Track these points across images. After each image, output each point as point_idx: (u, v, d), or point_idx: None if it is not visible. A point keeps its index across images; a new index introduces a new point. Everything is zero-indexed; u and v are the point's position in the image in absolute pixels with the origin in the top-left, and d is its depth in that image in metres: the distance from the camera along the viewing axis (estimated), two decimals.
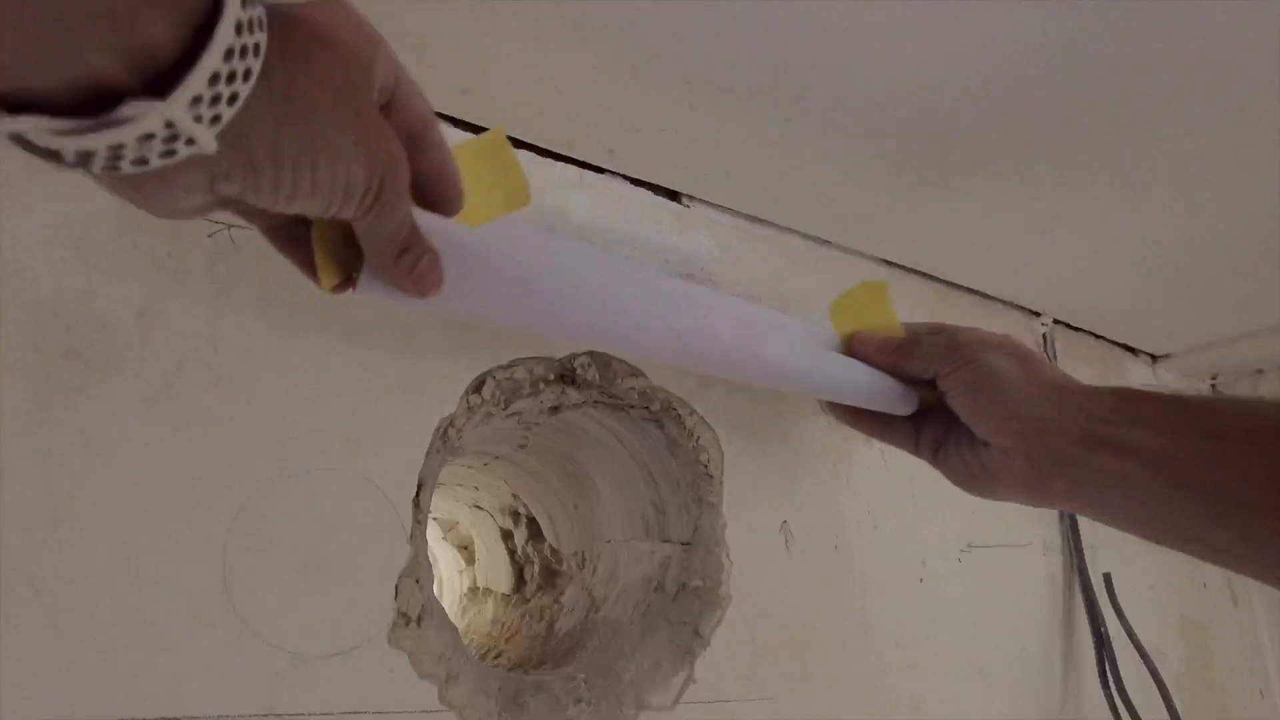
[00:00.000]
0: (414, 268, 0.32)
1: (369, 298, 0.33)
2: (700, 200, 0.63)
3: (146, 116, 0.20)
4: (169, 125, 0.21)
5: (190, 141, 0.21)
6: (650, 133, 0.54)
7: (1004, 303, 0.82)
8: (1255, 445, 0.36)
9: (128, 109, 0.20)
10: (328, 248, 0.33)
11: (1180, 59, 0.47)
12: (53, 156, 0.20)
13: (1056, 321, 0.86)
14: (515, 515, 0.75)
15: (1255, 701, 0.92)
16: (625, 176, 0.59)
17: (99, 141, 0.20)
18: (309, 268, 0.33)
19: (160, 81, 0.21)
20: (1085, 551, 0.77)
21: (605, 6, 0.43)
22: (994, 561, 0.72)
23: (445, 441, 0.46)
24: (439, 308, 0.35)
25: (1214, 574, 0.94)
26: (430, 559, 0.60)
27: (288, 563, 0.40)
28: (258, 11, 0.23)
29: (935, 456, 0.49)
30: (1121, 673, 0.72)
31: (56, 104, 0.20)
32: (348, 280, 0.33)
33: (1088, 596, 0.75)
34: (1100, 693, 0.73)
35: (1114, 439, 0.40)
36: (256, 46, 0.22)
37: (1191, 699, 0.82)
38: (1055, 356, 0.84)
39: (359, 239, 0.31)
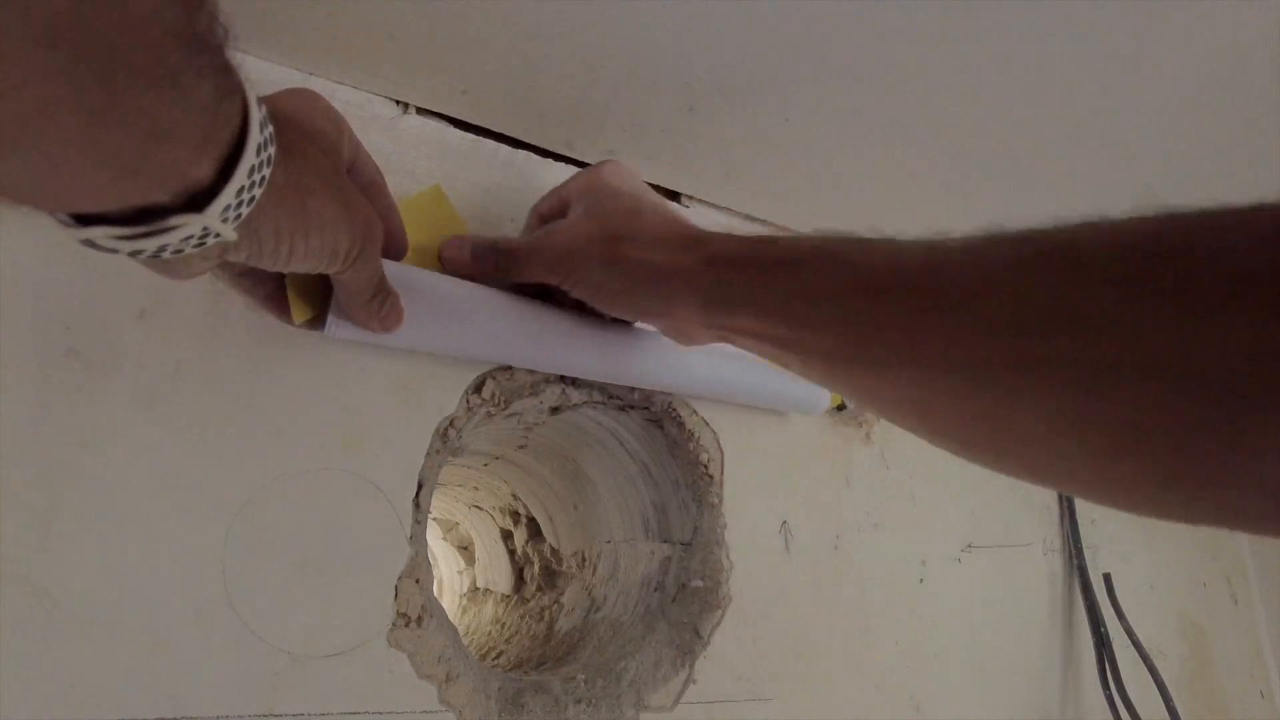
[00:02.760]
0: (380, 309, 0.39)
1: (337, 335, 0.40)
2: (700, 200, 0.63)
3: (189, 225, 0.26)
4: (204, 229, 0.26)
5: (217, 235, 0.27)
6: (650, 133, 0.54)
7: None
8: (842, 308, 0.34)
9: (175, 220, 0.25)
10: (299, 289, 0.38)
11: (1178, 58, 0.47)
12: (109, 250, 0.26)
13: None
14: (515, 515, 0.75)
15: (1255, 701, 0.92)
16: None
17: (151, 244, 0.26)
18: (273, 305, 0.38)
19: (199, 199, 0.26)
20: (1085, 551, 0.77)
21: (605, 6, 0.43)
22: (994, 561, 0.72)
23: (445, 441, 0.46)
24: (397, 340, 0.42)
25: (1214, 574, 0.94)
26: (430, 559, 0.60)
27: (288, 563, 0.40)
28: (269, 130, 0.27)
29: (562, 257, 0.44)
30: (1121, 673, 0.72)
31: (116, 218, 0.25)
32: (317, 317, 0.39)
33: (1088, 596, 0.76)
34: (1100, 693, 0.73)
35: (730, 328, 0.39)
36: (269, 158, 0.27)
37: (1191, 699, 0.82)
38: None
39: (336, 287, 0.37)
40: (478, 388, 0.48)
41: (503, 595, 0.76)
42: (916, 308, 0.31)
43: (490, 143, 0.53)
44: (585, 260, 0.42)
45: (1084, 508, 0.79)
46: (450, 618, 0.48)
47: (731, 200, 0.63)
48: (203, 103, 0.24)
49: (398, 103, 0.50)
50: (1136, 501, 0.29)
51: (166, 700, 0.36)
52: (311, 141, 0.33)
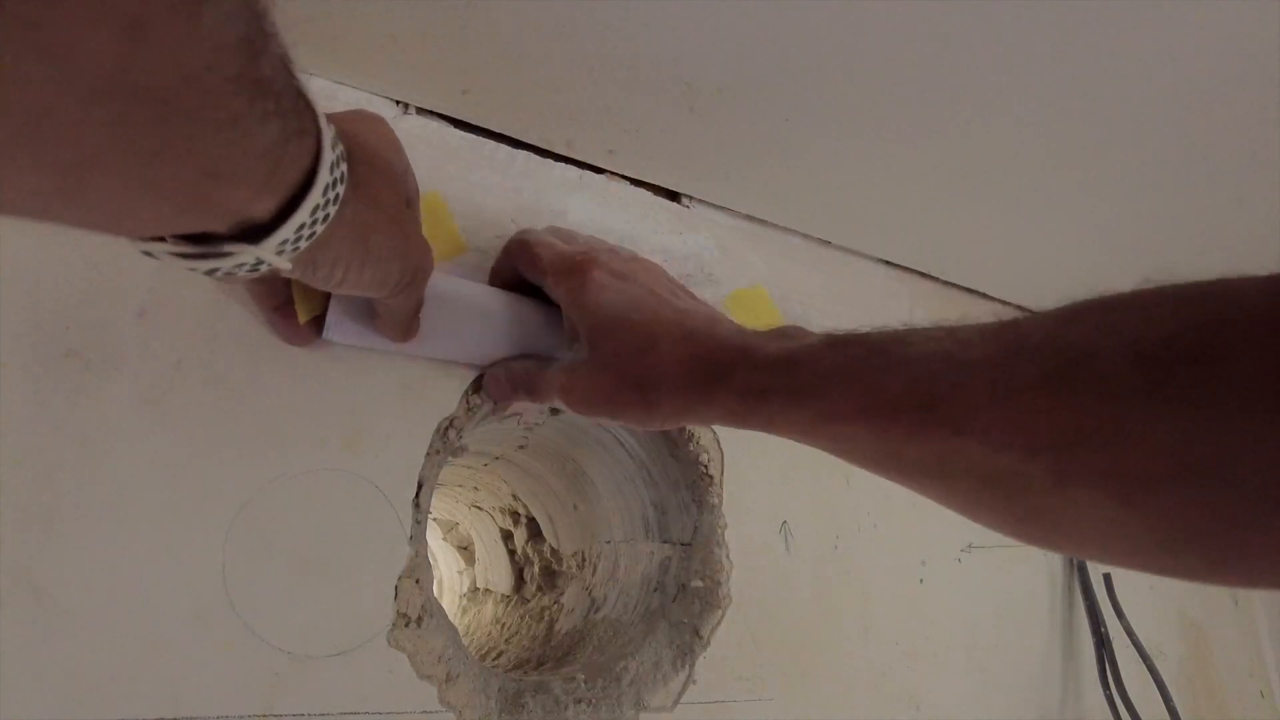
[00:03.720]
0: (412, 331, 0.41)
1: (335, 339, 0.41)
2: (700, 200, 0.63)
3: (243, 254, 0.27)
4: (258, 259, 0.27)
5: (270, 264, 0.28)
6: (650, 133, 0.54)
7: (1004, 303, 0.82)
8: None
9: (229, 248, 0.27)
10: (304, 288, 0.39)
11: (1180, 58, 0.47)
12: (166, 259, 0.27)
13: None
14: (515, 515, 0.75)
15: (1255, 701, 0.92)
16: (625, 176, 0.59)
17: (204, 265, 0.27)
18: (280, 317, 0.40)
19: (255, 232, 0.27)
20: None
21: (605, 6, 0.43)
22: (994, 561, 0.72)
23: (445, 441, 0.46)
24: (403, 348, 0.43)
25: None
26: (430, 559, 0.60)
27: (288, 563, 0.40)
28: (341, 170, 0.28)
29: (592, 408, 0.44)
30: (1121, 673, 0.72)
31: (175, 237, 0.27)
32: (319, 318, 0.40)
33: (1088, 596, 0.76)
34: (1100, 693, 0.73)
35: (769, 432, 0.40)
36: (337, 196, 0.28)
37: (1191, 699, 0.82)
38: None
39: (377, 308, 0.39)
40: (478, 388, 0.48)
41: (503, 595, 0.76)
42: (949, 430, 0.32)
43: (490, 143, 0.53)
44: (618, 407, 0.42)
45: None
46: (450, 618, 0.48)
47: (731, 200, 0.63)
48: (266, 145, 0.24)
49: (398, 103, 0.50)
50: (1198, 578, 0.31)
51: (166, 700, 0.36)
52: (381, 175, 0.34)
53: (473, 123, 0.52)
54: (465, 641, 0.56)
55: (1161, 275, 0.78)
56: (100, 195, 0.22)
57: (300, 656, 0.39)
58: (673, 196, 0.61)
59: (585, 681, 0.50)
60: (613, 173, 0.58)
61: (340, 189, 0.28)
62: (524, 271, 0.47)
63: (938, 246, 0.71)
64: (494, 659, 0.65)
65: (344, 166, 0.28)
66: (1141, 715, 0.70)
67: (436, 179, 0.50)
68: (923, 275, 0.76)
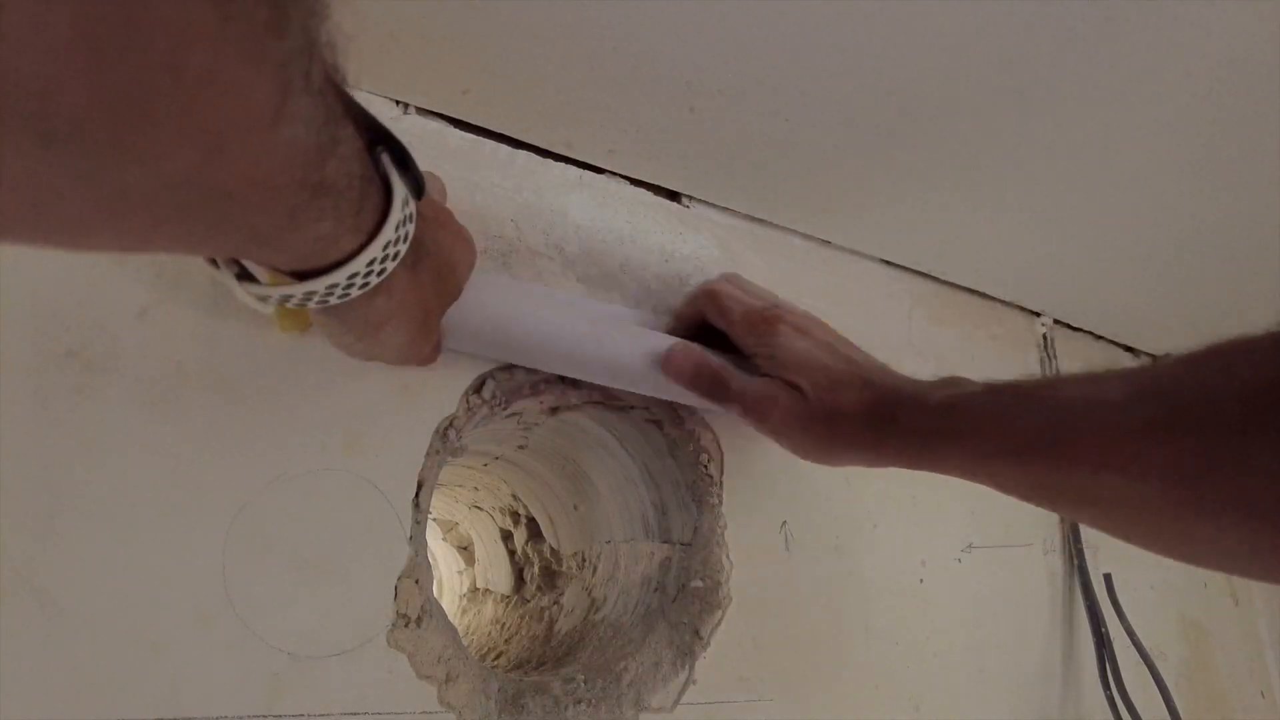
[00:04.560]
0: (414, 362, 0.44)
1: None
2: (700, 200, 0.63)
3: (241, 293, 0.32)
4: (265, 295, 0.31)
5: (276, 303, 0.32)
6: (650, 133, 0.54)
7: (1004, 303, 0.82)
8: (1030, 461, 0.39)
9: (241, 286, 0.31)
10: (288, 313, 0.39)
11: (1179, 59, 0.47)
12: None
13: (1056, 321, 0.86)
14: (515, 516, 0.75)
15: (1255, 702, 0.92)
16: (625, 176, 0.59)
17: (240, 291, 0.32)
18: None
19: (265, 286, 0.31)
20: (1085, 552, 0.77)
21: (605, 6, 0.43)
22: (994, 562, 0.72)
23: (445, 441, 0.46)
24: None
25: (1214, 574, 0.94)
26: (430, 559, 0.60)
27: (288, 563, 0.40)
28: (384, 266, 0.31)
29: (782, 430, 0.49)
30: (1122, 673, 0.72)
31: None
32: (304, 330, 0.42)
33: (1088, 596, 0.75)
34: (1100, 693, 0.72)
35: (930, 471, 0.45)
36: (365, 284, 0.31)
37: (1191, 699, 0.82)
38: (1055, 357, 0.84)
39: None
40: (478, 388, 0.48)
41: (502, 596, 0.76)
42: (1089, 464, 0.35)
43: (490, 143, 0.53)
44: (805, 436, 0.47)
45: None
46: (450, 618, 0.48)
47: (731, 200, 0.63)
48: (316, 236, 0.27)
49: (398, 103, 0.50)
50: None
51: (166, 700, 0.36)
52: (440, 282, 0.38)
53: (473, 123, 0.52)
54: (465, 642, 0.56)
55: (1163, 276, 0.78)
56: (154, 247, 0.25)
57: (300, 656, 0.39)
58: (673, 196, 0.61)
59: (585, 682, 0.50)
60: (613, 173, 0.58)
61: (373, 279, 0.31)
62: (711, 319, 0.52)
63: (938, 246, 0.71)
64: (494, 659, 0.65)
65: (390, 265, 0.31)
66: (1141, 715, 0.70)
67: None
68: (923, 275, 0.76)
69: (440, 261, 0.37)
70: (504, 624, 0.71)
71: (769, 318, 0.49)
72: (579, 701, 0.48)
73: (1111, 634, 0.74)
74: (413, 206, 0.32)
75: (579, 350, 0.47)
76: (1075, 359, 0.87)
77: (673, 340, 0.50)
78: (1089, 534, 0.78)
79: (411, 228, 0.32)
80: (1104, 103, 0.50)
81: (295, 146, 0.22)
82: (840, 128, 0.53)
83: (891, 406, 0.45)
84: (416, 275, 0.35)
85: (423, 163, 0.50)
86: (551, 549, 0.70)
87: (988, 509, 0.72)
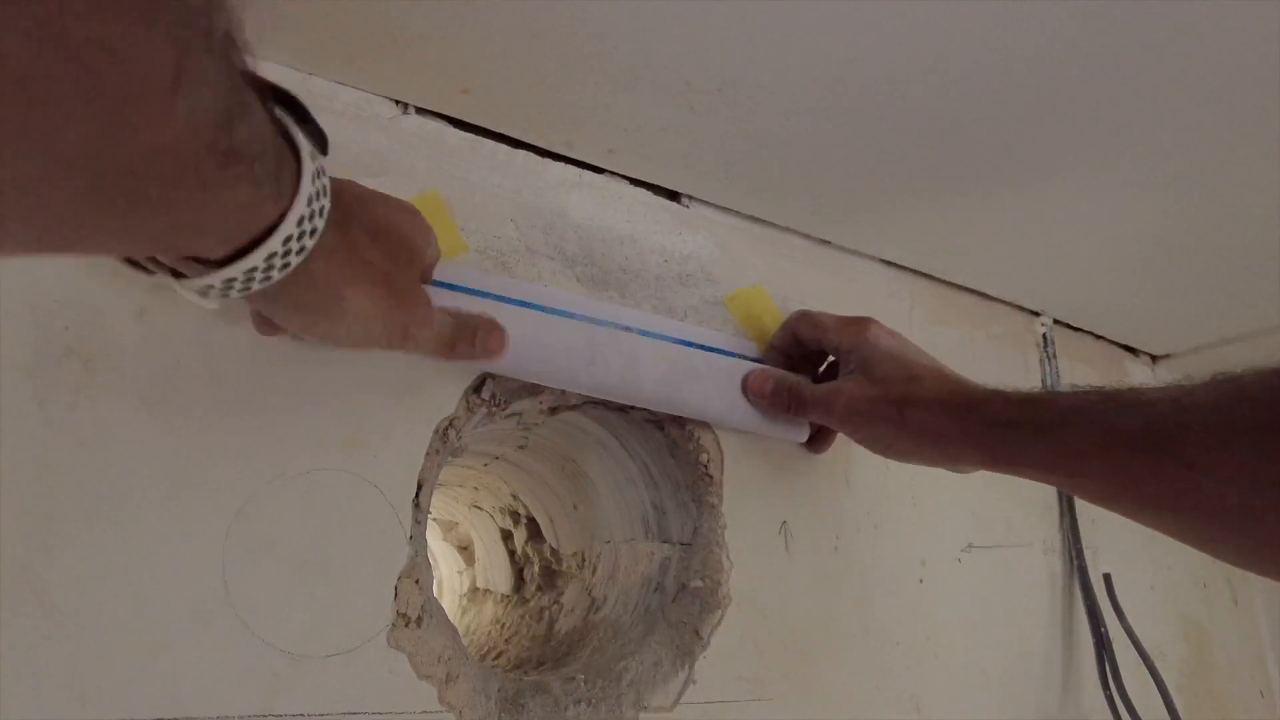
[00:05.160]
0: (470, 350, 0.41)
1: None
2: (700, 200, 0.63)
3: (176, 286, 0.30)
4: (207, 285, 0.29)
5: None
6: (650, 133, 0.54)
7: (1004, 303, 0.82)
8: (1107, 458, 0.40)
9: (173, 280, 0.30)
10: None
11: (1180, 59, 0.47)
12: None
13: (1056, 321, 0.86)
14: (515, 515, 0.75)
15: (1255, 702, 0.92)
16: (625, 176, 0.59)
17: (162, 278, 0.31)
18: (259, 320, 0.39)
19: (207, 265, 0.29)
20: (1085, 552, 0.77)
21: (605, 7, 0.43)
22: (994, 562, 0.72)
23: (445, 441, 0.46)
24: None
25: (1214, 574, 0.94)
26: (430, 559, 0.60)
27: (287, 563, 0.40)
28: (314, 224, 0.29)
29: (849, 416, 0.51)
30: (1121, 673, 0.72)
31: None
32: None
33: (1088, 597, 0.75)
34: (1100, 693, 0.72)
35: (1011, 472, 0.45)
36: (302, 248, 0.29)
37: (1191, 699, 0.82)
38: (1055, 357, 0.84)
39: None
40: (477, 388, 0.48)
41: (503, 595, 0.76)
42: (1184, 467, 0.36)
43: (490, 143, 0.53)
44: (874, 421, 0.49)
45: (1084, 508, 0.79)
46: (450, 618, 0.48)
47: (731, 200, 0.63)
48: (236, 205, 0.26)
49: (397, 103, 0.50)
50: None
51: (166, 700, 0.36)
52: (381, 240, 0.35)
53: (473, 123, 0.52)
54: (465, 641, 0.56)
55: (1163, 276, 0.78)
56: (80, 243, 0.24)
57: (300, 656, 0.39)
58: (673, 196, 0.61)
59: (585, 681, 0.50)
60: (613, 172, 0.58)
61: (307, 241, 0.29)
62: (804, 334, 0.55)
63: (938, 246, 0.71)
64: (494, 659, 0.65)
65: (319, 222, 0.30)
66: (1141, 716, 0.70)
67: (436, 179, 0.50)
68: (923, 275, 0.76)
69: (375, 221, 0.36)
70: (504, 624, 0.71)
71: (861, 320, 0.52)
72: (579, 701, 0.48)
73: (1111, 634, 0.74)
74: (321, 161, 0.31)
75: (658, 395, 0.51)
76: (1075, 359, 0.87)
77: (746, 369, 0.54)
78: (1089, 534, 0.78)
79: (326, 180, 0.31)
80: (1104, 104, 0.50)
81: (200, 111, 0.21)
82: (840, 128, 0.53)
83: (970, 398, 0.46)
84: (350, 235, 0.33)
85: (423, 162, 0.50)
86: (551, 549, 0.70)
87: (988, 509, 0.72)
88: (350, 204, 0.34)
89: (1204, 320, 0.87)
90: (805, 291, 0.66)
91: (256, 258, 0.28)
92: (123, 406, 0.38)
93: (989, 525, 0.72)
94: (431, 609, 0.44)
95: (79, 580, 0.35)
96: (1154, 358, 0.98)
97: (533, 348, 0.45)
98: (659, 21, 0.44)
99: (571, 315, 0.48)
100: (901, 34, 0.45)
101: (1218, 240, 0.68)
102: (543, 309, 0.47)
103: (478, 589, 0.83)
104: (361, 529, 0.42)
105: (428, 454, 0.45)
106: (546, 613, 0.66)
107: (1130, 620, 0.75)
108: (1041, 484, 0.49)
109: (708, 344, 0.55)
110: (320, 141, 0.32)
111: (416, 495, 0.44)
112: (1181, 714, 0.71)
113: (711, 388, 0.53)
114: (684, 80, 0.49)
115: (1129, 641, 0.74)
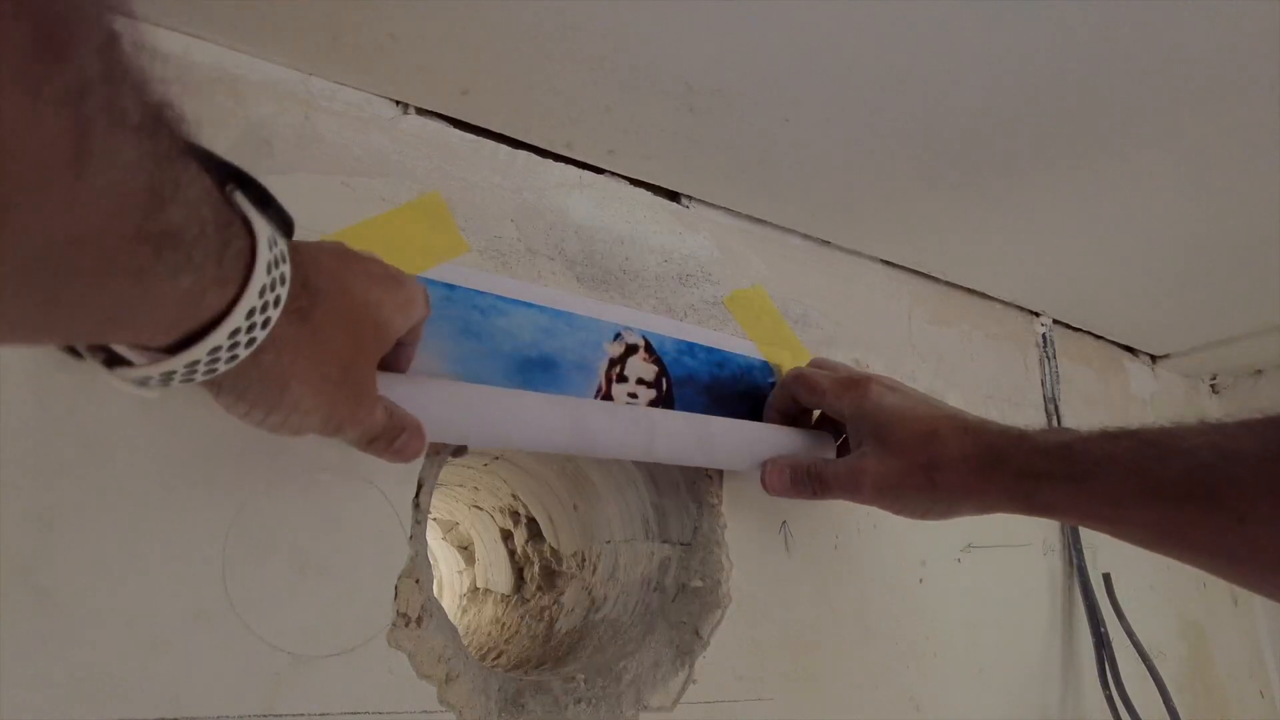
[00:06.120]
0: (386, 450, 0.38)
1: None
2: (700, 200, 0.63)
3: (114, 377, 0.27)
4: (145, 376, 0.27)
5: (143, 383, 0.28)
6: (650, 133, 0.54)
7: (1004, 303, 0.82)
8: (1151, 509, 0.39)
9: (110, 370, 0.27)
10: None
11: (1180, 60, 0.47)
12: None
13: (1056, 321, 0.86)
14: (515, 515, 0.75)
15: (1255, 701, 0.92)
16: (625, 177, 0.59)
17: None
18: None
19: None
20: (1085, 552, 0.77)
21: (605, 7, 0.43)
22: (994, 561, 0.72)
23: (445, 441, 0.46)
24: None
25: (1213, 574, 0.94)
26: (430, 559, 0.60)
27: (288, 563, 0.40)
28: (266, 315, 0.27)
29: (880, 493, 0.49)
30: (1121, 673, 0.72)
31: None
32: None
33: (1088, 596, 0.76)
34: (1100, 693, 0.73)
35: (1047, 516, 0.45)
36: (251, 340, 0.27)
37: (1191, 699, 0.82)
38: (1054, 356, 0.84)
39: None
40: None
41: (503, 595, 0.76)
42: (1233, 517, 0.36)
43: (490, 143, 0.53)
44: (905, 492, 0.47)
45: None
46: (450, 618, 0.48)
47: (731, 200, 0.63)
48: (176, 296, 0.23)
49: (398, 103, 0.50)
50: None
51: (166, 700, 0.36)
52: (345, 324, 0.33)
53: (473, 123, 0.52)
54: (465, 641, 0.56)
55: (1163, 276, 0.77)
56: (8, 334, 0.22)
57: (300, 656, 0.39)
58: (673, 196, 0.61)
59: (585, 681, 0.50)
60: (613, 173, 0.58)
61: (258, 333, 0.27)
62: (802, 398, 0.54)
63: (938, 246, 0.71)
64: (494, 659, 0.65)
65: (273, 313, 0.27)
66: (1141, 715, 0.70)
67: (436, 179, 0.50)
68: (923, 275, 0.76)
69: (348, 305, 0.33)
70: (504, 623, 0.71)
71: (857, 380, 0.51)
72: (579, 701, 0.48)
73: (1111, 634, 0.74)
74: (283, 246, 0.28)
75: (686, 457, 0.50)
76: (1075, 359, 0.87)
77: (764, 460, 0.52)
78: (1088, 534, 0.79)
79: (287, 268, 0.28)
80: (1103, 104, 0.50)
81: (116, 193, 0.19)
82: (840, 128, 0.53)
83: (997, 450, 0.45)
84: (313, 323, 0.31)
85: (423, 162, 0.50)
86: (551, 549, 0.71)
87: None
88: (323, 286, 0.31)
89: (1204, 320, 0.87)
90: (805, 291, 0.66)
91: (199, 351, 0.26)
92: (123, 407, 0.38)
93: (988, 525, 0.72)
94: (431, 609, 0.44)
95: (79, 580, 0.35)
96: (1154, 357, 0.98)
97: (507, 422, 0.43)
98: (659, 22, 0.44)
99: (572, 316, 0.48)
100: (901, 34, 0.45)
101: (1218, 240, 0.68)
102: (541, 309, 0.47)
103: (478, 589, 0.84)
104: (362, 529, 0.42)
105: (428, 454, 0.45)
106: (546, 612, 0.66)
107: (1130, 620, 0.75)
108: None
109: (708, 344, 0.54)
110: (284, 225, 0.29)
111: (416, 495, 0.44)
112: (1181, 713, 0.71)
113: (722, 456, 0.51)
114: (684, 81, 0.49)
115: (1129, 641, 0.74)
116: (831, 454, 0.55)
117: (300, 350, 0.30)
